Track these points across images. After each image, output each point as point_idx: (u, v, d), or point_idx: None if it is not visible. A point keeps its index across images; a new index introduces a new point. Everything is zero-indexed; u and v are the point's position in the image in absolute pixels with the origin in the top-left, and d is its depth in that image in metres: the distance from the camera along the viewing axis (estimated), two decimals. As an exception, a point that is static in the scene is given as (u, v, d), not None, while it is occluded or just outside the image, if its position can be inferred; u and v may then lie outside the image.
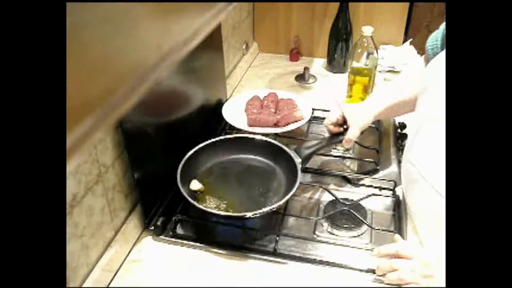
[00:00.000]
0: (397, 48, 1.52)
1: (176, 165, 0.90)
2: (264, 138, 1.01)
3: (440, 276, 0.68)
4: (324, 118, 1.21)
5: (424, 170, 0.78)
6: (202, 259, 0.82)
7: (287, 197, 0.85)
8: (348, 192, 0.98)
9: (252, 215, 0.82)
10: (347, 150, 1.10)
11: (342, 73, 1.48)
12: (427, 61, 0.92)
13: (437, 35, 0.89)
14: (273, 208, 0.82)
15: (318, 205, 0.94)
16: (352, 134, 0.96)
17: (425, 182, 0.77)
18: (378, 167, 1.02)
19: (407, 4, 1.49)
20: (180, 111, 1.00)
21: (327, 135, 1.15)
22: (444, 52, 0.76)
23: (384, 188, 0.98)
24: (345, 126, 0.99)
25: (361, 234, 0.87)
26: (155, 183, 0.88)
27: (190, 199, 0.83)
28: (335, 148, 1.11)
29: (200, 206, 0.83)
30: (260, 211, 0.82)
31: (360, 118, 0.97)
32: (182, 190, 0.85)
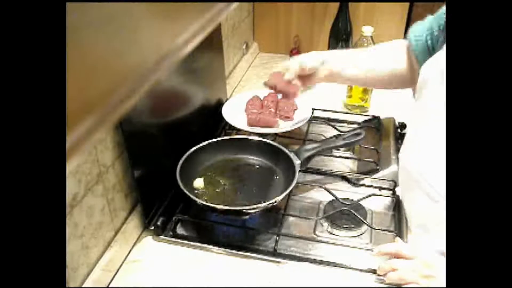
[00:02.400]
0: (397, 48, 1.51)
1: (176, 165, 0.90)
2: (263, 139, 1.01)
3: (441, 277, 0.68)
4: (324, 118, 1.21)
5: (420, 172, 0.78)
6: (202, 259, 0.82)
7: (285, 193, 0.85)
8: (348, 192, 0.98)
9: (249, 208, 0.82)
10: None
11: (342, 73, 1.47)
12: (408, 49, 0.91)
13: (423, 29, 0.87)
14: (271, 203, 0.82)
15: (318, 205, 0.94)
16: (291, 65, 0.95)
17: (420, 186, 0.78)
18: (378, 167, 1.02)
19: (407, 4, 1.49)
20: (180, 111, 1.00)
21: (327, 136, 1.16)
22: (436, 56, 0.75)
23: (384, 188, 0.98)
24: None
25: (361, 234, 0.87)
26: (155, 183, 0.88)
27: (189, 194, 0.84)
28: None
29: (199, 201, 0.83)
30: (258, 205, 0.82)
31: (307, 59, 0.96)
32: (181, 186, 0.85)
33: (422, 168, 0.76)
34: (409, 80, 0.95)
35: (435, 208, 0.75)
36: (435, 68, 0.74)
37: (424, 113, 0.77)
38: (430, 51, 0.85)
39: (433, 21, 0.86)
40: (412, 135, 0.83)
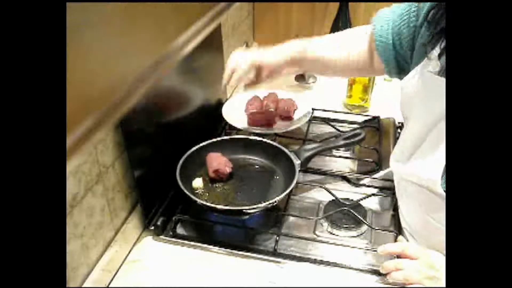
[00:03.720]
0: (397, 48, 1.51)
1: (176, 165, 0.90)
2: (263, 139, 1.01)
3: (445, 278, 0.68)
4: (324, 118, 1.21)
5: (412, 182, 0.77)
6: (202, 259, 0.82)
7: (285, 193, 0.85)
8: (348, 192, 0.98)
9: (249, 208, 0.83)
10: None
11: (342, 73, 1.47)
12: (372, 41, 0.85)
13: (388, 27, 0.80)
14: (271, 203, 0.83)
15: (318, 205, 0.94)
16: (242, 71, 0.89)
17: (412, 196, 0.78)
18: (378, 167, 1.02)
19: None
20: (180, 111, 1.00)
21: (327, 136, 1.16)
22: (415, 75, 0.72)
23: (384, 188, 0.98)
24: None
25: (361, 234, 0.87)
26: (155, 183, 0.88)
27: (189, 194, 0.84)
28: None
29: (199, 200, 0.83)
30: (258, 205, 0.83)
31: (267, 58, 0.91)
32: (181, 186, 0.85)
33: (413, 181, 0.76)
34: (367, 68, 0.90)
35: (427, 221, 0.75)
36: (417, 90, 0.71)
37: (412, 131, 0.76)
38: (398, 56, 0.80)
39: (399, 21, 0.78)
40: (402, 145, 0.82)
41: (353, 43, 0.91)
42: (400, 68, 0.82)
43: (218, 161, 0.93)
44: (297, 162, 0.93)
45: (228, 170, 0.93)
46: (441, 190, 0.66)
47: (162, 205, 0.90)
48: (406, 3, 0.76)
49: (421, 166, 0.72)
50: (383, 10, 0.84)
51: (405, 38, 0.77)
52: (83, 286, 0.72)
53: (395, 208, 0.92)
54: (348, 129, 1.17)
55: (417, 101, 0.72)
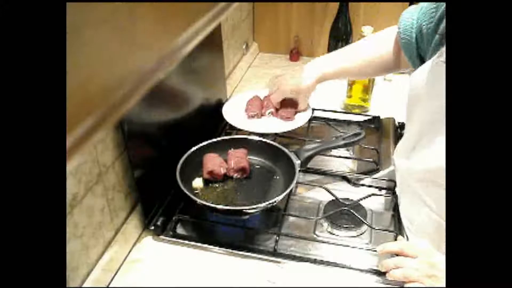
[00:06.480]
0: (397, 48, 1.51)
1: (176, 165, 0.90)
2: (263, 139, 1.01)
3: (444, 277, 0.68)
4: (324, 118, 1.21)
5: (415, 179, 0.77)
6: (202, 259, 0.82)
7: (285, 193, 0.85)
8: (348, 192, 0.98)
9: (249, 208, 0.83)
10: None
11: (342, 73, 1.47)
12: (397, 41, 0.92)
13: (413, 21, 0.85)
14: (271, 203, 0.83)
15: (318, 205, 0.94)
16: (274, 98, 1.11)
17: (414, 193, 0.77)
18: (378, 167, 1.02)
19: (407, 4, 1.48)
20: (180, 111, 1.00)
21: (327, 136, 1.16)
22: (426, 68, 0.74)
23: (384, 188, 0.98)
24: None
25: (361, 234, 0.87)
26: (155, 183, 0.88)
27: (189, 193, 0.84)
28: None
29: (199, 200, 0.83)
30: (258, 205, 0.83)
31: (288, 82, 1.09)
32: (181, 186, 0.85)
33: (417, 175, 0.76)
34: (393, 66, 0.99)
35: (430, 218, 0.75)
36: (425, 80, 0.73)
37: (416, 123, 0.76)
38: (419, 49, 0.85)
39: (422, 17, 0.83)
40: (405, 141, 0.82)
41: (379, 48, 1.00)
42: (423, 61, 0.83)
43: (212, 162, 0.93)
44: (297, 162, 0.93)
45: (222, 171, 0.92)
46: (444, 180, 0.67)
47: (162, 205, 0.90)
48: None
49: (425, 156, 0.72)
50: (409, 8, 0.91)
51: (425, 32, 0.80)
52: (83, 286, 0.72)
53: (395, 208, 0.92)
54: (348, 129, 1.17)
55: (424, 92, 0.72)
